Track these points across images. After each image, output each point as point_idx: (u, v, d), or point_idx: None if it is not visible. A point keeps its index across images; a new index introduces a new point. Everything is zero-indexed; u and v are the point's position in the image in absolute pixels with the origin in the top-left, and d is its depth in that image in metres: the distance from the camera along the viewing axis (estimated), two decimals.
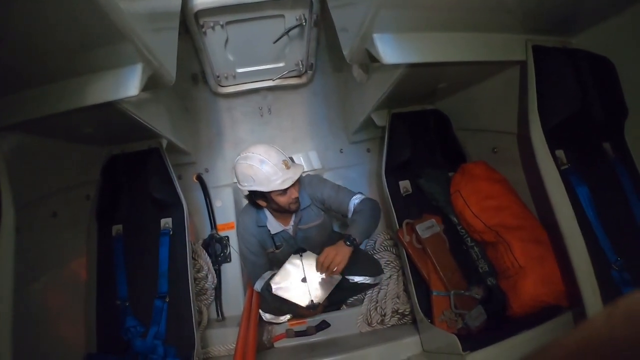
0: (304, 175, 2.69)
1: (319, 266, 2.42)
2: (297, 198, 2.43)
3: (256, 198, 2.46)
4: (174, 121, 3.06)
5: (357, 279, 2.79)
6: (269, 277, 2.64)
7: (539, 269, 2.26)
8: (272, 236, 2.59)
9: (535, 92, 2.09)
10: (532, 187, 2.53)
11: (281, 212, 2.53)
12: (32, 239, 2.20)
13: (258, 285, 2.65)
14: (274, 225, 2.57)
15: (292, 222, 2.60)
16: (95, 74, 1.91)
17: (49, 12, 1.38)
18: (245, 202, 2.76)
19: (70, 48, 1.70)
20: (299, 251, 2.70)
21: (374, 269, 2.87)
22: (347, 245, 2.40)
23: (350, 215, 2.59)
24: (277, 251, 2.63)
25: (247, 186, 2.37)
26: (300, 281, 2.58)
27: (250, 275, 2.74)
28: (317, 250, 2.66)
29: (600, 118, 2.13)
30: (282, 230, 2.59)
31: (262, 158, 2.31)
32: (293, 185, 2.38)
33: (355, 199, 2.60)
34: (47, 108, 1.90)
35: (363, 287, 2.88)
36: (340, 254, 2.37)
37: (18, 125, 1.94)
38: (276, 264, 2.74)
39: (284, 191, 2.39)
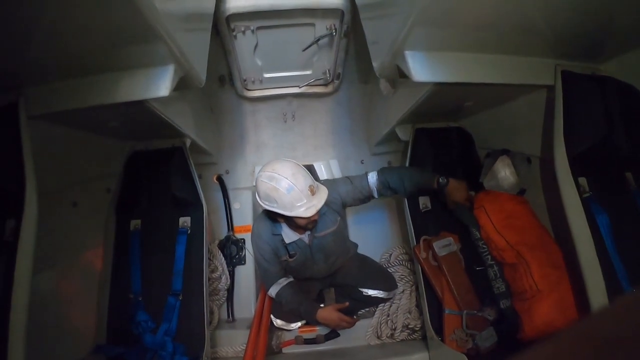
0: None
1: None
2: (315, 219, 2.34)
3: (275, 214, 2.35)
4: (199, 121, 3.09)
5: (371, 292, 2.79)
6: (285, 282, 2.64)
7: (555, 294, 2.23)
8: (286, 245, 2.55)
9: (562, 118, 2.07)
10: (551, 211, 2.50)
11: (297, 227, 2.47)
12: (51, 226, 2.23)
13: (273, 291, 2.64)
14: (289, 234, 2.51)
15: (308, 231, 2.54)
16: (128, 71, 1.95)
17: (86, 7, 1.41)
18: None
19: (105, 44, 1.74)
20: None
21: (388, 284, 2.87)
22: (442, 182, 2.49)
23: (376, 194, 2.57)
24: (290, 260, 2.59)
25: (269, 205, 2.26)
26: None
27: (264, 281, 2.74)
28: (332, 258, 2.69)
29: (624, 147, 2.10)
30: (298, 239, 2.54)
31: (290, 183, 2.16)
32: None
33: (371, 177, 2.56)
34: (78, 101, 1.94)
35: (376, 301, 2.88)
36: (461, 189, 2.52)
37: (47, 116, 1.97)
38: (290, 272, 2.74)
39: None
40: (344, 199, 2.55)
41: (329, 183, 2.54)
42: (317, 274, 2.78)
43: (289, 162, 2.25)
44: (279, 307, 2.76)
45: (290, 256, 2.58)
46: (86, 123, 2.34)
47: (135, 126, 2.64)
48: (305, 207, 2.19)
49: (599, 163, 2.15)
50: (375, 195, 2.58)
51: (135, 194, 2.83)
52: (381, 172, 2.56)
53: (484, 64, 2.05)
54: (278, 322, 2.81)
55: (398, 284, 2.96)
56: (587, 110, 2.07)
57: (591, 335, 0.39)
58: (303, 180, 2.19)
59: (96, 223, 2.77)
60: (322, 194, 2.26)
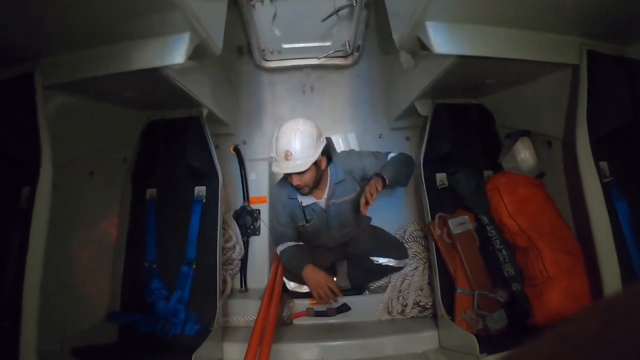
0: (339, 153, 2.81)
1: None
2: (304, 186, 2.43)
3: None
4: (216, 91, 3.08)
5: (382, 260, 2.77)
6: (293, 244, 2.68)
7: (567, 281, 2.19)
8: (303, 209, 2.61)
9: (586, 99, 2.01)
10: (572, 196, 2.44)
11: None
12: (69, 195, 2.27)
13: (280, 248, 2.71)
14: (304, 198, 2.57)
15: (325, 196, 2.61)
16: (143, 39, 1.96)
17: None
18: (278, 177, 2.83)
19: (120, 13, 1.74)
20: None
21: (399, 252, 2.85)
22: (376, 176, 2.41)
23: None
24: (307, 224, 2.65)
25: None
26: None
27: (274, 242, 2.81)
28: (347, 228, 2.75)
29: None
30: (314, 203, 2.62)
31: (276, 136, 2.37)
32: (298, 174, 2.36)
33: (391, 154, 2.61)
34: (93, 70, 1.96)
35: (387, 270, 2.86)
36: (372, 185, 2.36)
37: (63, 85, 1.99)
38: (306, 238, 2.79)
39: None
40: (366, 172, 2.58)
41: (356, 154, 2.70)
42: (330, 241, 2.84)
43: (293, 123, 2.37)
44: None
45: (307, 221, 2.63)
46: (102, 93, 2.35)
47: (152, 95, 2.65)
48: (276, 164, 2.36)
49: (622, 148, 2.09)
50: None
51: (152, 163, 2.86)
52: (395, 155, 2.59)
53: (508, 38, 2.00)
54: (291, 285, 2.82)
55: (411, 260, 2.95)
56: (612, 92, 2.01)
57: (592, 330, 0.38)
58: (285, 142, 2.31)
59: (112, 192, 2.81)
60: (298, 166, 2.31)
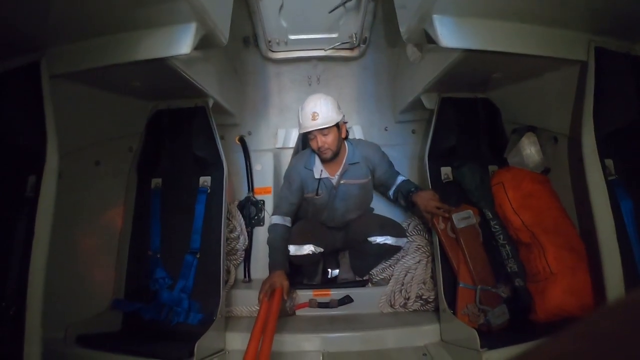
0: (362, 140, 3.12)
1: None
2: (327, 149, 2.62)
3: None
4: (222, 82, 3.08)
5: (379, 239, 2.72)
6: (287, 223, 2.84)
7: (569, 278, 2.20)
8: (315, 181, 2.77)
9: (593, 95, 2.00)
10: (576, 193, 2.44)
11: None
12: (74, 184, 2.30)
13: (274, 219, 2.84)
14: (319, 170, 2.76)
15: (338, 172, 2.76)
16: (150, 29, 1.97)
17: None
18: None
19: (127, 2, 1.75)
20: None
21: (396, 231, 2.81)
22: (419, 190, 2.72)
23: (392, 191, 2.88)
24: (316, 197, 2.79)
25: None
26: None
27: (274, 207, 3.02)
28: (352, 213, 2.86)
29: None
30: (326, 178, 2.78)
31: (303, 105, 2.65)
32: (321, 133, 2.59)
33: (402, 177, 2.87)
34: (100, 60, 1.97)
35: (386, 250, 2.84)
36: (431, 195, 2.63)
37: (69, 75, 2.00)
38: (313, 211, 2.90)
39: (313, 135, 2.61)
40: (377, 169, 2.85)
41: (380, 149, 2.92)
42: (330, 221, 2.96)
43: (317, 94, 2.70)
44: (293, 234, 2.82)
45: (317, 194, 2.77)
46: (109, 82, 2.37)
47: (158, 85, 2.66)
48: (302, 127, 2.64)
49: (628, 146, 2.08)
50: (392, 191, 2.90)
51: (157, 153, 2.86)
52: (407, 180, 2.86)
53: (515, 33, 2.00)
54: (292, 249, 2.75)
55: (414, 254, 2.94)
56: (619, 89, 2.01)
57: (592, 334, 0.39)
58: (313, 105, 2.60)
59: (118, 181, 2.83)
60: (317, 124, 2.57)
